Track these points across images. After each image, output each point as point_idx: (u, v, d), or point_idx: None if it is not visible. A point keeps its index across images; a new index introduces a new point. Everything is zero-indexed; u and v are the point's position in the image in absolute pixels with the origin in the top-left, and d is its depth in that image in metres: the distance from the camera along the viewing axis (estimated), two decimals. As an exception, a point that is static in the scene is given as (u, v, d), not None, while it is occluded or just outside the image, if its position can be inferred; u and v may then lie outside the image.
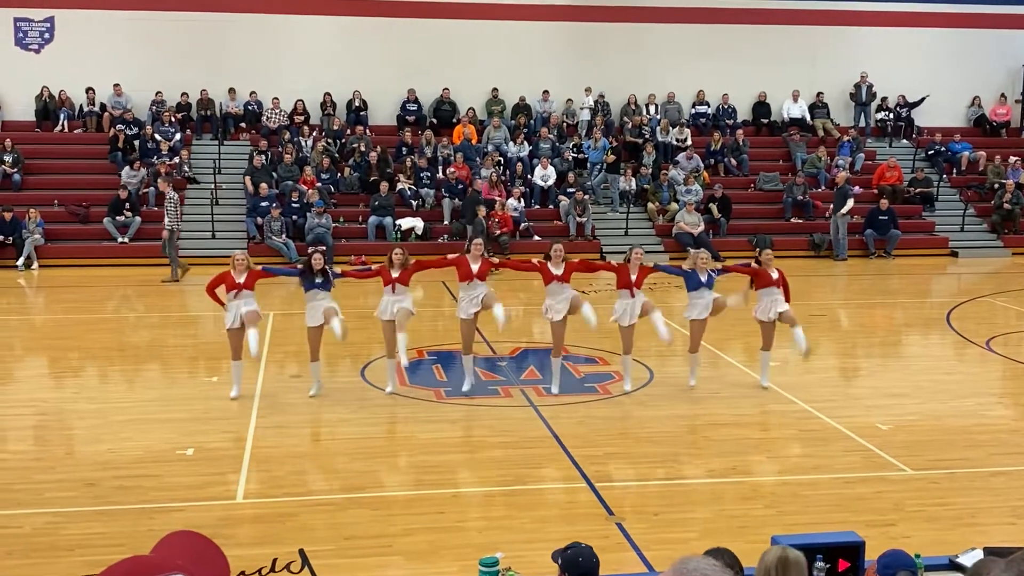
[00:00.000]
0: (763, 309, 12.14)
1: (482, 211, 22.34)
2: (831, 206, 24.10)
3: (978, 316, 17.45)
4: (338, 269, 12.11)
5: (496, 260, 12.59)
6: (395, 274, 11.66)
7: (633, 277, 11.85)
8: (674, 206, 24.25)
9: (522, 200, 23.87)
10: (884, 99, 28.17)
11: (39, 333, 16.35)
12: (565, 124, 26.74)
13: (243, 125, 25.77)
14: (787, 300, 12.21)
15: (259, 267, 12.03)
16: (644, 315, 11.89)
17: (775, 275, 12.09)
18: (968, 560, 5.35)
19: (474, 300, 11.74)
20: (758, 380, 12.39)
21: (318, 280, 11.58)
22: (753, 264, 12.44)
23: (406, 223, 23.14)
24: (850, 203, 23.83)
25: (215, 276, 11.72)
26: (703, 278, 12.05)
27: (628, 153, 25.84)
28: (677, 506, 8.75)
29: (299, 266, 12.04)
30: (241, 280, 11.48)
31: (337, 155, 24.78)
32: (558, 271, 11.80)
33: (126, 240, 22.20)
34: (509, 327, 15.72)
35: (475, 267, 11.78)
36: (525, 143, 25.61)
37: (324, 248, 12.54)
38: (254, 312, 11.50)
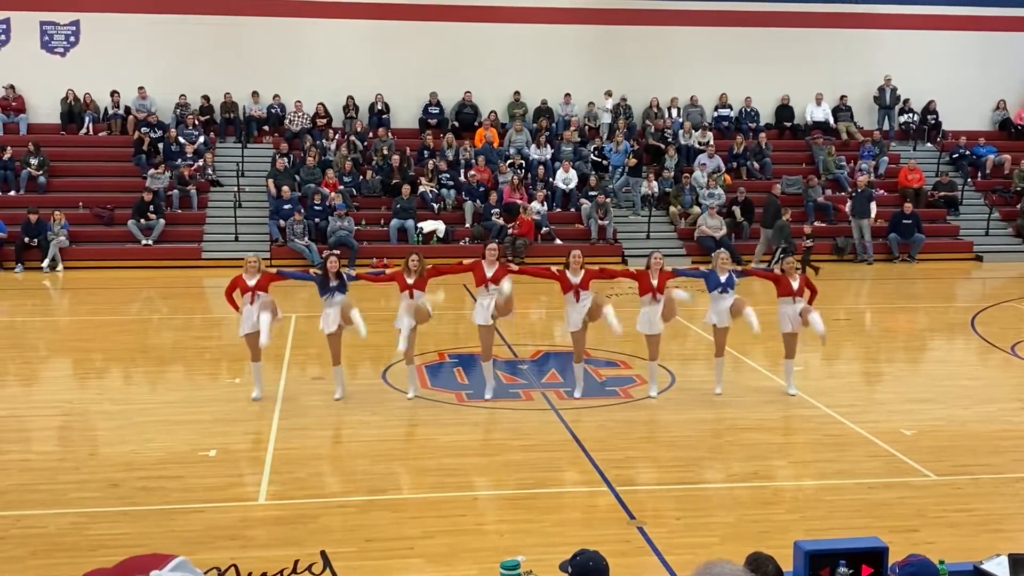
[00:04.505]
0: (783, 320, 12.05)
1: (787, 214, 22.24)
2: (848, 208, 24.01)
3: (1003, 321, 17.32)
4: (353, 272, 12.09)
5: (515, 267, 12.48)
6: (411, 280, 11.62)
7: (655, 283, 11.80)
8: (696, 210, 24.20)
9: (544, 204, 23.87)
10: (907, 101, 28.02)
11: (63, 334, 16.46)
12: (587, 127, 26.74)
13: (266, 128, 25.90)
14: (811, 300, 12.15)
15: (273, 270, 12.04)
16: (667, 315, 11.83)
17: (795, 285, 11.98)
18: (993, 567, 5.30)
19: (488, 307, 11.65)
20: (780, 384, 12.35)
21: (333, 284, 11.59)
22: (776, 271, 12.34)
23: (428, 226, 23.18)
24: (873, 207, 23.75)
25: (230, 281, 11.79)
26: (723, 278, 11.99)
27: (650, 156, 25.80)
28: (699, 510, 8.72)
29: (315, 272, 12.03)
30: (252, 283, 11.53)
31: (360, 158, 24.85)
32: (576, 279, 11.73)
33: (150, 242, 22.33)
34: (530, 331, 15.74)
35: (490, 272, 11.72)
36: (547, 146, 25.61)
37: (338, 252, 12.54)
38: (269, 300, 11.48)
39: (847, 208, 24.13)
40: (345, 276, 11.76)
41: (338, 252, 12.71)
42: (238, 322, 11.82)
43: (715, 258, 12.35)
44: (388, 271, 12.12)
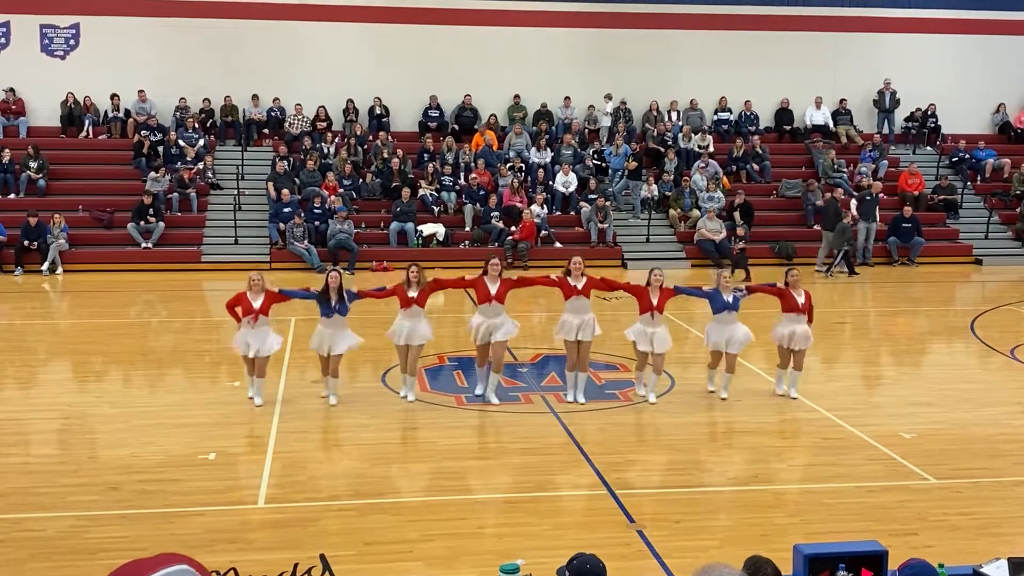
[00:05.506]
0: (782, 335, 11.99)
1: (848, 216, 22.15)
2: (855, 208, 23.97)
3: (1002, 324, 17.32)
4: (354, 289, 12.03)
5: (515, 278, 12.45)
6: (412, 293, 11.60)
7: (655, 300, 11.75)
8: (696, 213, 24.20)
9: (544, 207, 23.87)
10: (917, 109, 28.01)
11: (63, 337, 16.46)
12: (587, 130, 26.75)
13: (266, 131, 25.92)
14: (810, 320, 12.11)
15: (276, 289, 11.96)
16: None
17: (801, 299, 11.91)
18: (992, 570, 5.30)
19: (487, 330, 11.62)
20: (783, 389, 12.30)
21: (335, 304, 11.55)
22: (780, 285, 12.21)
23: (428, 229, 23.19)
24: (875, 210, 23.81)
25: (234, 296, 11.76)
26: (728, 299, 11.90)
27: (650, 159, 25.81)
28: (698, 513, 8.72)
29: (315, 289, 11.97)
30: (257, 304, 11.46)
31: (359, 161, 24.86)
32: (579, 285, 11.69)
33: (150, 245, 22.34)
34: (530, 334, 15.73)
35: (493, 289, 11.67)
36: (547, 149, 25.61)
37: (340, 269, 12.50)
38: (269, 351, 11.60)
39: (852, 208, 23.99)
40: (347, 294, 11.71)
41: (340, 269, 12.62)
42: (235, 333, 11.77)
43: (718, 278, 12.17)
44: (389, 286, 12.07)
